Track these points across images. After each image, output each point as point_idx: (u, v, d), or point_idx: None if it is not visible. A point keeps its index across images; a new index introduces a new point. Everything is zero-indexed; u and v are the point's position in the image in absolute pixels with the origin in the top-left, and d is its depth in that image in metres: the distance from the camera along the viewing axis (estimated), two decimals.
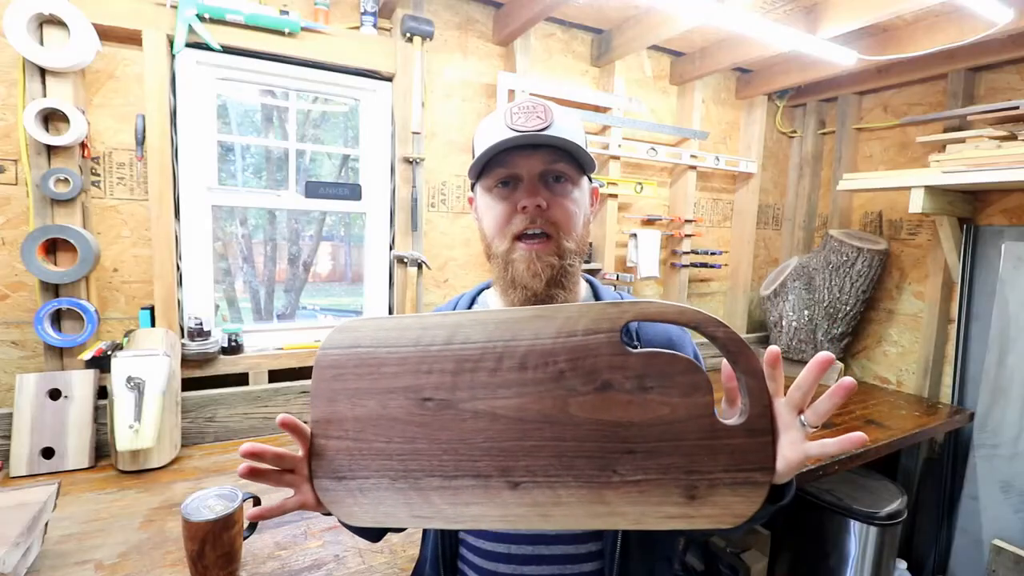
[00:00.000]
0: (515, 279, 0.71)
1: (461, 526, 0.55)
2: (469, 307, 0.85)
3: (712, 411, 0.53)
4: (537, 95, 2.15)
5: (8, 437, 1.40)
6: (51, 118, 1.43)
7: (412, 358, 0.55)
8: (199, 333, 1.69)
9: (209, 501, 1.00)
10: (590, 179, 0.79)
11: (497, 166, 0.71)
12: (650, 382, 0.53)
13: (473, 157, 0.76)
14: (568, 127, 0.71)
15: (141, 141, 1.57)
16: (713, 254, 2.71)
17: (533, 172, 0.70)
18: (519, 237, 0.71)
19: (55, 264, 1.48)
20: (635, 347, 0.73)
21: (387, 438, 0.56)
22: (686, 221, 2.61)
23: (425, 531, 0.83)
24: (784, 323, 2.65)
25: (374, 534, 0.81)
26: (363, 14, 1.82)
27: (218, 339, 1.73)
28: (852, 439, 0.49)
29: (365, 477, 0.56)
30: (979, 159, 1.93)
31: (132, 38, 1.54)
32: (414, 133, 1.93)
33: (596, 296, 0.82)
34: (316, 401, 0.58)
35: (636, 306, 0.53)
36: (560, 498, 0.53)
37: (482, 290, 0.88)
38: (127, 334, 1.57)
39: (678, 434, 0.53)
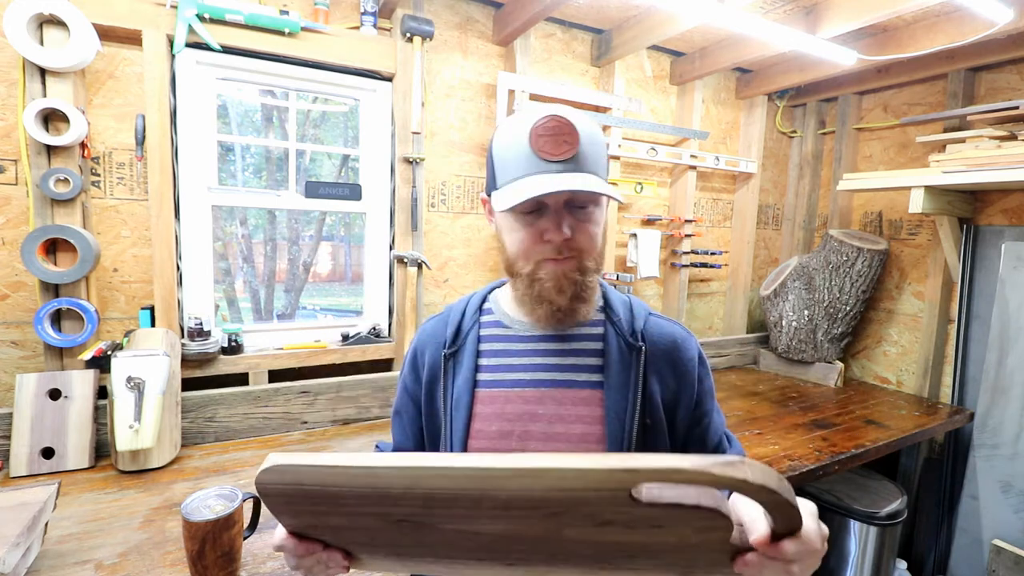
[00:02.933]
0: (541, 295, 0.73)
1: None
2: (479, 308, 0.83)
3: (727, 544, 0.49)
4: (537, 96, 2.15)
5: (8, 437, 1.40)
6: (51, 118, 1.43)
7: (372, 496, 0.48)
8: (199, 333, 1.69)
9: (209, 501, 1.00)
10: None
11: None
12: (661, 523, 0.47)
13: (491, 166, 0.75)
14: (593, 148, 0.71)
15: (141, 141, 1.57)
16: (713, 254, 2.71)
17: (559, 201, 0.70)
18: (544, 260, 0.72)
19: (55, 264, 1.48)
20: (640, 347, 0.76)
21: (369, 538, 0.54)
22: (686, 221, 2.61)
23: None
24: (784, 323, 2.64)
25: None
26: (363, 14, 1.82)
27: (218, 339, 1.74)
28: None
29: (365, 552, 0.58)
30: (979, 159, 1.93)
31: (132, 38, 1.54)
32: (414, 133, 1.93)
33: (607, 303, 0.82)
34: (280, 518, 0.54)
35: (656, 474, 0.42)
36: (557, 574, 0.54)
37: (493, 289, 0.88)
38: (127, 334, 1.57)
39: (685, 552, 0.50)
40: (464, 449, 0.74)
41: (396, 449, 0.89)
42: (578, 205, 0.71)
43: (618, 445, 0.72)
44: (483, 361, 0.79)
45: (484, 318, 0.83)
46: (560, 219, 0.70)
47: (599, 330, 0.79)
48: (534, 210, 0.71)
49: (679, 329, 0.82)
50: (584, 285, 0.73)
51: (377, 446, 0.94)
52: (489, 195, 0.78)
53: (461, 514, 0.49)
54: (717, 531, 0.47)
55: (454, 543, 0.52)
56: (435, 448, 0.81)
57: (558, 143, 0.68)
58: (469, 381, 0.77)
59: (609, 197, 0.70)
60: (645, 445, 0.74)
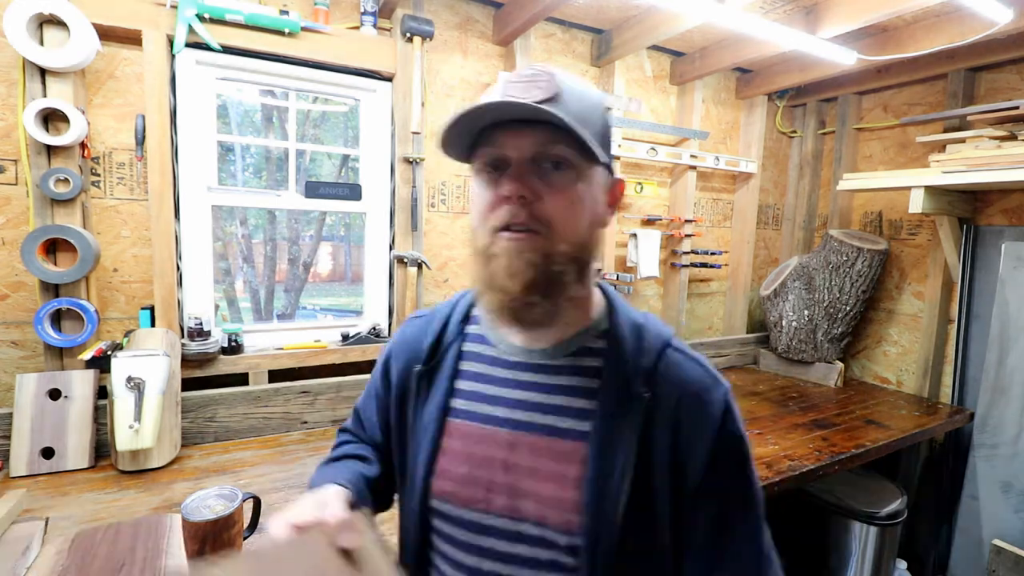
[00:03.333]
0: (492, 278, 0.59)
1: None
2: (466, 315, 0.74)
3: None
4: None
5: (8, 437, 1.40)
6: (51, 118, 1.43)
7: None
8: (199, 333, 1.69)
9: (209, 501, 1.00)
10: (610, 170, 0.64)
11: (485, 145, 0.60)
12: None
13: None
14: (579, 103, 0.57)
15: (141, 141, 1.57)
16: (713, 254, 2.71)
17: (523, 155, 0.57)
18: (502, 229, 0.58)
19: (55, 264, 1.48)
20: (646, 396, 0.60)
21: None
22: (686, 221, 2.61)
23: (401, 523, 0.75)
24: (784, 323, 2.64)
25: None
26: (363, 14, 1.82)
27: (218, 339, 1.73)
28: None
29: None
30: (979, 159, 1.93)
31: (132, 38, 1.54)
32: (414, 133, 1.93)
33: (612, 313, 0.67)
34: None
35: None
36: None
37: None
38: (127, 334, 1.57)
39: None
40: (426, 487, 0.65)
41: (356, 439, 0.82)
42: (552, 165, 0.57)
43: (596, 520, 0.57)
44: (460, 384, 0.68)
45: (470, 328, 0.72)
46: (520, 175, 0.57)
47: (597, 362, 0.63)
48: (497, 167, 0.59)
49: (703, 373, 0.63)
50: (548, 276, 0.58)
51: (341, 430, 0.86)
52: None
53: None
54: None
55: None
56: (403, 468, 0.72)
57: (530, 87, 0.56)
58: (440, 408, 0.67)
59: (575, 138, 0.55)
60: (634, 525, 0.58)
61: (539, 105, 0.54)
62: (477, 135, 0.60)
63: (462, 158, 0.63)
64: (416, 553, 0.69)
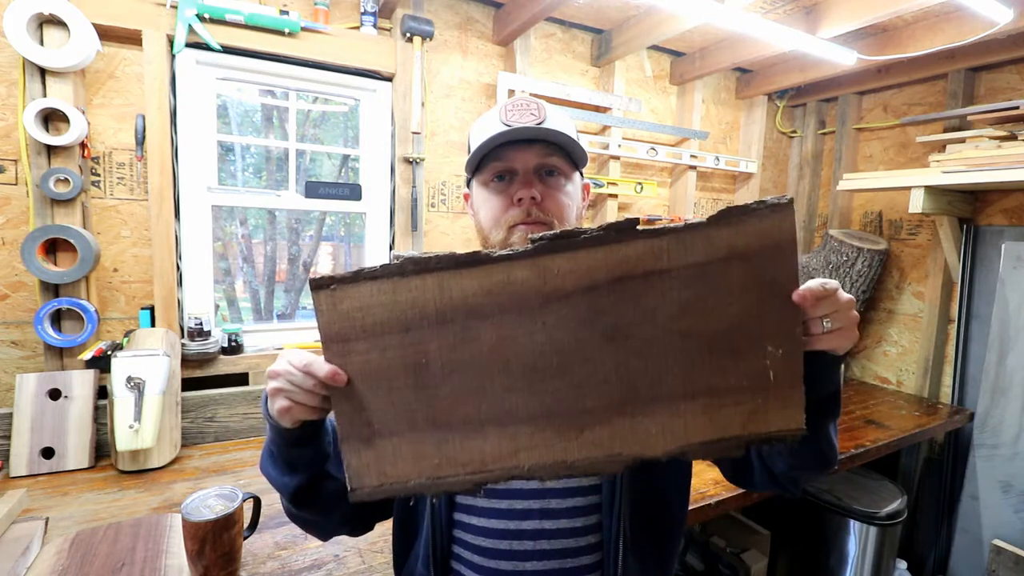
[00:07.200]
0: None
1: None
2: None
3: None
4: (537, 95, 2.15)
5: (8, 437, 1.40)
6: (51, 118, 1.43)
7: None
8: (199, 333, 1.69)
9: (209, 501, 1.00)
10: (581, 174, 0.82)
11: (493, 160, 0.74)
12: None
13: (469, 154, 0.78)
14: (560, 123, 0.74)
15: (141, 141, 1.57)
16: None
17: (528, 166, 0.73)
18: (515, 226, 0.73)
19: (55, 264, 1.48)
20: None
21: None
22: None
23: (414, 527, 0.79)
24: None
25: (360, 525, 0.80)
26: (363, 14, 1.82)
27: (218, 339, 1.73)
28: None
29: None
30: (979, 159, 1.93)
31: (132, 38, 1.54)
32: (414, 133, 1.93)
33: None
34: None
35: None
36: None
37: None
38: (127, 334, 1.57)
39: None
40: None
41: None
42: (547, 172, 0.74)
43: None
44: None
45: None
46: (529, 182, 0.73)
47: None
48: (504, 178, 0.75)
49: None
50: None
51: None
52: (469, 184, 0.81)
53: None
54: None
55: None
56: None
57: (524, 113, 0.73)
58: None
59: (573, 159, 0.73)
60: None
61: (536, 130, 0.70)
62: (484, 154, 0.74)
63: (469, 172, 0.79)
64: (436, 564, 0.74)
